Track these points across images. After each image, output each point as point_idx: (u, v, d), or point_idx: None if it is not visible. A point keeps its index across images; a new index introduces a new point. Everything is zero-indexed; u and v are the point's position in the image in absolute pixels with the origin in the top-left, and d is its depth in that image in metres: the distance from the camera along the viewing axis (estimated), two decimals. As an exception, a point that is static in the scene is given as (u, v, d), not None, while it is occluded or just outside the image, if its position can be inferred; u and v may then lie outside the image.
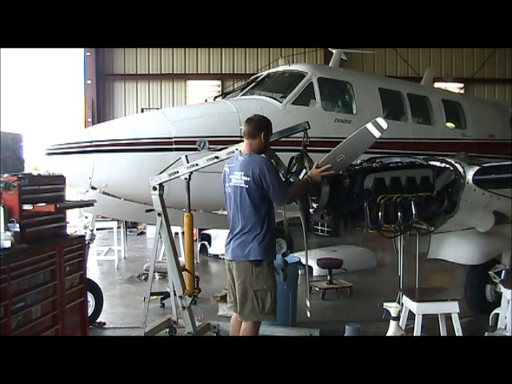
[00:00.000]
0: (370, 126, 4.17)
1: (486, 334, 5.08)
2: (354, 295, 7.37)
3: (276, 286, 4.18)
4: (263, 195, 4.03)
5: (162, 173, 4.75)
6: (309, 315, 4.36)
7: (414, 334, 4.53)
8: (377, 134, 4.14)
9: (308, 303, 4.37)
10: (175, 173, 4.71)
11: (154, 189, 4.75)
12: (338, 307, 6.92)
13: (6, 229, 3.56)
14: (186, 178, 4.71)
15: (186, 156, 4.74)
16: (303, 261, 7.39)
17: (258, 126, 4.17)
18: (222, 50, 16.03)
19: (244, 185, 4.03)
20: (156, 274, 8.08)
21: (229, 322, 5.40)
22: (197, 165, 4.67)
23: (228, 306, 4.44)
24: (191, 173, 4.70)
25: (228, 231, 4.36)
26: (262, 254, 4.05)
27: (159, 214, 4.81)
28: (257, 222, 4.05)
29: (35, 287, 3.73)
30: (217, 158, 4.65)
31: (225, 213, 7.32)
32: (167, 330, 5.38)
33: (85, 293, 4.51)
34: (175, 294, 5.01)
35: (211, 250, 10.26)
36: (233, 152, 4.61)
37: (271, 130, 4.27)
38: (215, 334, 5.38)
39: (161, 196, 4.78)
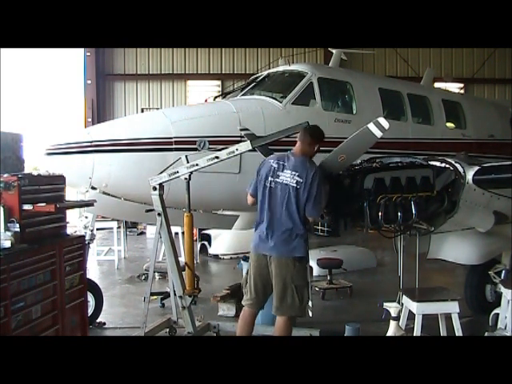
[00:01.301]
0: (371, 126, 4.17)
1: (486, 334, 5.08)
2: (354, 295, 7.37)
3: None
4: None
5: (161, 173, 4.75)
6: (311, 315, 4.38)
7: (414, 334, 4.53)
8: (378, 133, 4.15)
9: (310, 303, 4.39)
10: (175, 173, 4.71)
11: (154, 189, 4.75)
12: (338, 307, 6.92)
13: (6, 229, 3.56)
14: (185, 178, 4.71)
15: (186, 156, 4.74)
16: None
17: (319, 137, 4.46)
18: (222, 50, 16.02)
19: (295, 185, 4.18)
20: (156, 273, 8.07)
21: (229, 322, 5.43)
22: (197, 165, 4.67)
23: (246, 303, 4.43)
24: (191, 173, 4.70)
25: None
26: (305, 250, 4.25)
27: (159, 214, 4.81)
28: (301, 220, 4.22)
29: (35, 287, 3.73)
30: (217, 158, 4.65)
31: (225, 213, 7.39)
32: (167, 330, 5.37)
33: (85, 293, 4.51)
34: (175, 294, 5.01)
35: (211, 250, 10.26)
36: (233, 152, 4.62)
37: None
38: (215, 334, 5.38)
39: (161, 196, 4.78)
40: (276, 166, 4.31)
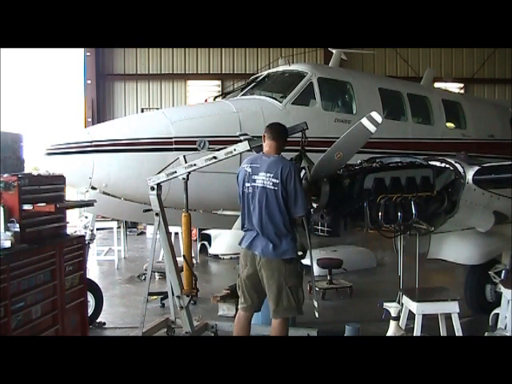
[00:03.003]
0: (365, 121, 4.16)
1: (486, 334, 5.08)
2: (354, 295, 7.38)
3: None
4: (287, 197, 4.13)
5: (159, 173, 4.75)
6: (317, 315, 4.38)
7: (414, 334, 4.53)
8: (372, 128, 4.13)
9: (316, 303, 4.39)
10: (173, 173, 4.71)
11: (152, 189, 4.75)
12: (338, 307, 6.92)
13: (6, 229, 3.57)
14: (183, 178, 4.71)
15: (184, 156, 4.75)
16: (303, 261, 7.40)
17: (283, 131, 4.39)
18: (222, 50, 16.02)
19: (272, 187, 4.11)
20: (156, 273, 8.08)
21: (227, 322, 5.42)
22: (195, 165, 4.67)
23: (241, 307, 4.41)
24: (189, 173, 4.70)
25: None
26: (294, 251, 4.20)
27: (157, 214, 4.81)
28: (285, 221, 4.15)
29: (35, 287, 3.73)
30: (215, 158, 4.64)
31: (225, 213, 7.39)
32: (165, 329, 5.37)
33: (85, 293, 4.51)
34: (173, 294, 5.01)
35: (211, 250, 10.26)
36: (231, 152, 4.61)
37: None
38: (213, 334, 5.38)
39: (158, 196, 4.78)
40: (250, 170, 4.24)
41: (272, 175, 4.11)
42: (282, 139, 4.34)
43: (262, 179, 4.15)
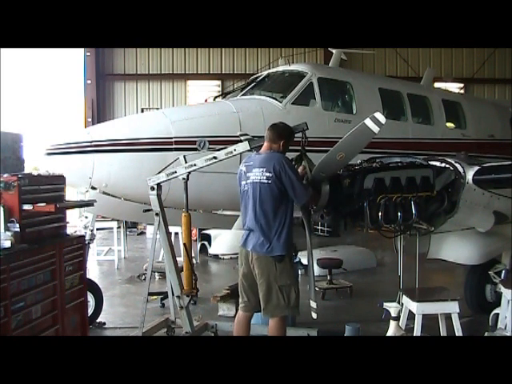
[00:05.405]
0: (368, 122, 4.15)
1: (486, 334, 5.08)
2: (354, 295, 7.37)
3: (298, 280, 4.30)
4: (284, 191, 4.12)
5: (159, 173, 4.75)
6: (315, 316, 4.36)
7: (414, 334, 4.53)
8: (375, 129, 4.11)
9: (314, 304, 4.37)
10: (173, 173, 4.71)
11: (152, 189, 4.76)
12: (338, 307, 6.92)
13: (6, 229, 3.57)
14: (183, 178, 4.71)
15: (184, 156, 4.75)
16: (303, 261, 7.41)
17: (281, 133, 4.35)
18: (222, 50, 16.03)
19: (266, 180, 4.12)
20: (156, 273, 8.09)
21: (227, 322, 5.42)
22: (195, 165, 4.67)
23: (240, 306, 4.43)
24: (189, 173, 4.70)
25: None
26: (284, 249, 4.16)
27: (157, 214, 4.81)
28: (278, 217, 4.16)
29: (35, 287, 3.74)
30: (215, 158, 4.65)
31: (225, 213, 7.39)
32: (165, 329, 5.37)
33: (85, 293, 4.51)
34: (173, 294, 5.01)
35: (211, 250, 10.26)
36: (231, 152, 4.62)
37: (292, 139, 4.42)
38: (213, 334, 5.38)
39: (158, 196, 4.78)
40: (245, 168, 4.30)
41: (265, 169, 4.14)
42: (276, 142, 4.30)
43: (256, 175, 4.18)
